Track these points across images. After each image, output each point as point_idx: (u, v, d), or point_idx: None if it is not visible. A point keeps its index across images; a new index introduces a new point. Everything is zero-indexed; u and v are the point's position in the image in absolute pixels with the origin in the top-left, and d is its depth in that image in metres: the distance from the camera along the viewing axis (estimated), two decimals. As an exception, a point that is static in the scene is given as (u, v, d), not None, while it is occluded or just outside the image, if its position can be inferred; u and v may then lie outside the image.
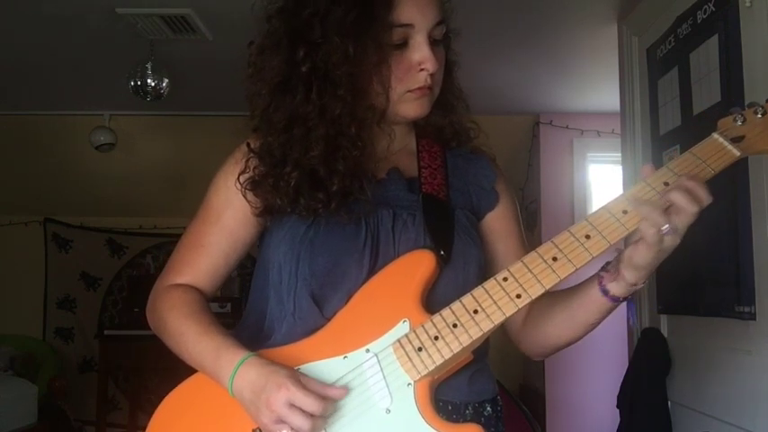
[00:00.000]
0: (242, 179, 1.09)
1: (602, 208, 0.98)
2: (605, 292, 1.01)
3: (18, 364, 4.63)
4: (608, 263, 1.01)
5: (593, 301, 1.02)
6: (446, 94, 1.16)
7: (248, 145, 1.10)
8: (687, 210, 0.92)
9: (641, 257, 0.95)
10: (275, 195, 1.05)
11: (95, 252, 5.27)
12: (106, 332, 4.51)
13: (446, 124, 1.18)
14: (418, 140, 1.18)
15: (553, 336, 1.11)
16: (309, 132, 1.04)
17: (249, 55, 1.11)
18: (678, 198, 0.92)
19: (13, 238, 5.22)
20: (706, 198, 0.93)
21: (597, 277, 1.02)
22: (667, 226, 0.92)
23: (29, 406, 3.81)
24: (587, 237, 0.97)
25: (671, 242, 0.93)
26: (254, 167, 1.08)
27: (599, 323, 1.07)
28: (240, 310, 4.11)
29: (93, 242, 5.28)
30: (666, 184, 0.97)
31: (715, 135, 1.02)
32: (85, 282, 5.28)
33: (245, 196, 1.09)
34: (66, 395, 4.55)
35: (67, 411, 4.40)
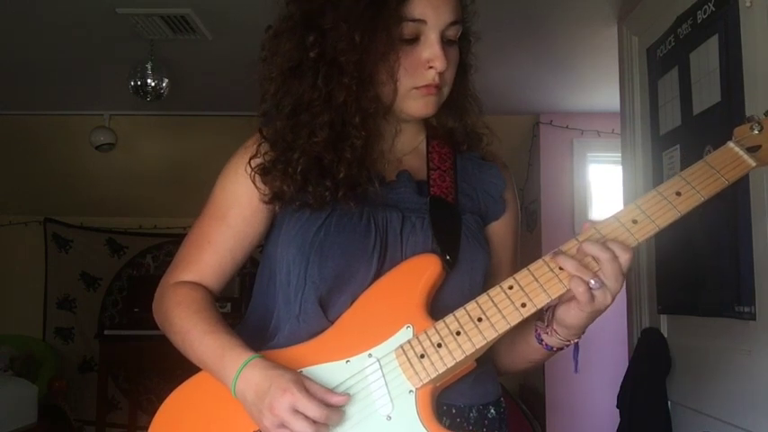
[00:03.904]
0: (253, 164, 1.08)
1: (612, 216, 0.97)
2: (540, 341, 1.03)
3: (18, 364, 4.64)
4: (546, 310, 1.01)
5: (530, 344, 1.05)
6: (458, 97, 1.15)
7: (260, 130, 1.10)
8: (601, 257, 0.91)
9: (573, 318, 0.95)
10: (283, 182, 1.05)
11: (95, 252, 5.27)
12: (106, 332, 4.50)
13: (457, 127, 1.17)
14: (429, 142, 1.17)
15: (499, 363, 1.14)
16: (314, 118, 1.04)
17: (264, 38, 1.11)
18: (590, 248, 0.92)
19: (13, 238, 5.22)
20: (618, 247, 0.92)
21: (534, 325, 1.03)
22: (594, 281, 0.91)
23: (29, 406, 3.81)
24: None
25: (602, 299, 0.93)
26: (265, 153, 1.08)
27: (543, 361, 1.10)
28: (240, 309, 4.11)
29: (93, 242, 5.28)
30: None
31: (731, 144, 1.00)
32: (85, 282, 5.28)
33: (254, 182, 1.08)
34: (67, 395, 4.55)
35: (67, 411, 4.40)
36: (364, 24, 1.00)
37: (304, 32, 1.04)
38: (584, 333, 1.00)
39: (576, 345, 1.02)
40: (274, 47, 1.08)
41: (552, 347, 1.03)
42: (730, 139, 1.01)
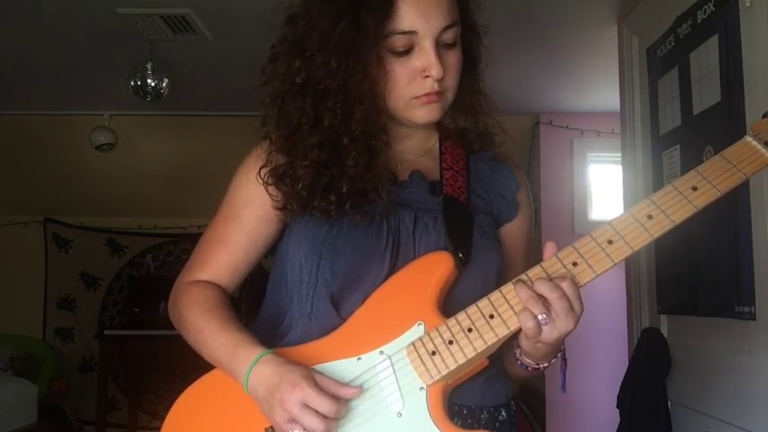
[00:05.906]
0: (263, 173, 1.09)
1: (626, 212, 0.96)
2: (518, 360, 1.03)
3: (18, 364, 4.63)
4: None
5: (513, 362, 1.05)
6: (466, 96, 1.14)
7: (270, 139, 1.10)
8: (550, 296, 0.91)
9: (525, 346, 0.96)
10: (290, 196, 1.06)
11: (95, 252, 5.27)
12: (106, 332, 4.49)
13: (468, 127, 1.16)
14: (442, 142, 1.17)
15: (505, 368, 1.13)
16: (305, 140, 1.04)
17: (264, 62, 1.11)
18: (541, 287, 0.91)
19: (13, 238, 5.22)
20: (567, 286, 0.91)
21: (515, 345, 1.03)
22: (543, 316, 0.91)
23: (29, 406, 3.81)
24: (609, 242, 0.94)
25: (548, 334, 0.92)
26: (275, 162, 1.09)
27: (529, 379, 1.09)
28: (240, 309, 4.08)
29: (93, 242, 5.28)
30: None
31: (748, 138, 0.98)
32: (85, 282, 5.28)
33: (266, 189, 1.09)
34: (67, 395, 4.55)
35: (67, 411, 4.40)
36: (342, 49, 1.00)
37: (292, 57, 1.05)
38: (550, 360, 1.00)
39: (564, 363, 1.03)
40: (272, 70, 1.09)
41: (528, 367, 1.02)
42: (747, 133, 0.99)
